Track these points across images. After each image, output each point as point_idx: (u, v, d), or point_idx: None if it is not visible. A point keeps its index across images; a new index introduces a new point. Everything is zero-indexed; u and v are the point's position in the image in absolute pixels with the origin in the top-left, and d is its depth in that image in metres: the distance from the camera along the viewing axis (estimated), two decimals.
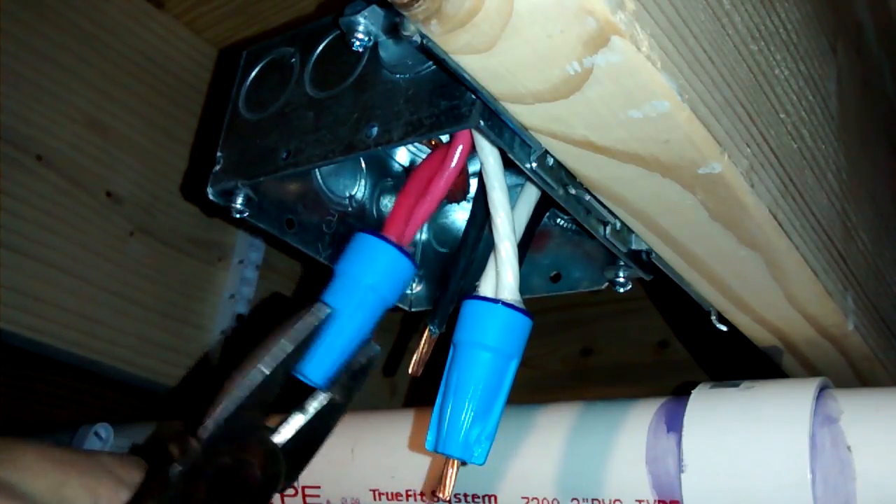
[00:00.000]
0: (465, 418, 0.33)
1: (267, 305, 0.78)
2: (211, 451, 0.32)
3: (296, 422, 0.35)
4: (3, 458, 0.32)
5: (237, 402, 0.32)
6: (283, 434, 0.34)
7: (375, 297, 0.35)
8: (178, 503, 0.31)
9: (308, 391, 0.35)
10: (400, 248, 0.36)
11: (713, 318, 0.42)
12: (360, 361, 0.35)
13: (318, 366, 0.34)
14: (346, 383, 0.35)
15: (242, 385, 0.32)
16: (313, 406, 0.35)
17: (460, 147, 0.36)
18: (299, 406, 0.35)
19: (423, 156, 0.40)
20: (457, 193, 0.43)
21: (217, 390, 0.33)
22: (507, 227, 0.34)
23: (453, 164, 0.36)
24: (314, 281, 0.83)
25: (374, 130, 0.33)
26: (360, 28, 0.34)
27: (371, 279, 0.35)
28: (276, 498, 0.50)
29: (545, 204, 0.38)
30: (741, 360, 0.50)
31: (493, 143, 0.32)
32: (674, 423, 0.38)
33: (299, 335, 0.33)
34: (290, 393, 0.34)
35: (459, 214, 0.48)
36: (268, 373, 0.32)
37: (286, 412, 0.35)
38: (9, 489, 0.31)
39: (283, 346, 0.33)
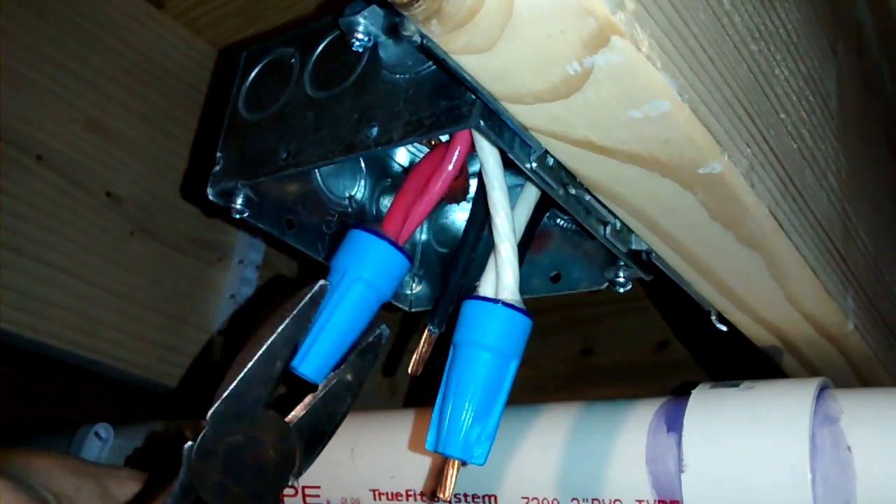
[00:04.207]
0: (465, 418, 0.33)
1: (268, 290, 0.78)
2: (220, 428, 0.32)
3: (306, 401, 0.35)
4: (26, 465, 0.35)
5: (242, 380, 0.33)
6: (294, 413, 0.34)
7: (369, 291, 0.35)
8: (194, 480, 0.32)
9: None
10: (394, 243, 0.36)
11: (713, 318, 0.42)
12: (367, 340, 0.35)
13: (313, 360, 0.34)
14: (356, 363, 0.35)
15: (246, 363, 0.33)
16: (323, 385, 0.35)
17: (458, 147, 0.36)
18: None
19: (423, 156, 0.40)
20: (457, 193, 0.43)
21: (225, 373, 0.33)
22: (507, 227, 0.34)
23: (451, 165, 0.36)
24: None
25: (375, 131, 0.33)
26: (360, 28, 0.34)
27: (365, 274, 0.35)
28: None
29: (545, 204, 0.38)
30: (741, 360, 0.50)
31: (493, 143, 0.32)
32: (674, 423, 0.38)
33: (297, 309, 0.33)
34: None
35: (459, 214, 0.48)
36: (268, 346, 0.33)
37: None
38: (29, 489, 0.33)
39: (283, 320, 0.33)
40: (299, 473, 0.34)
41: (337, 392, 0.35)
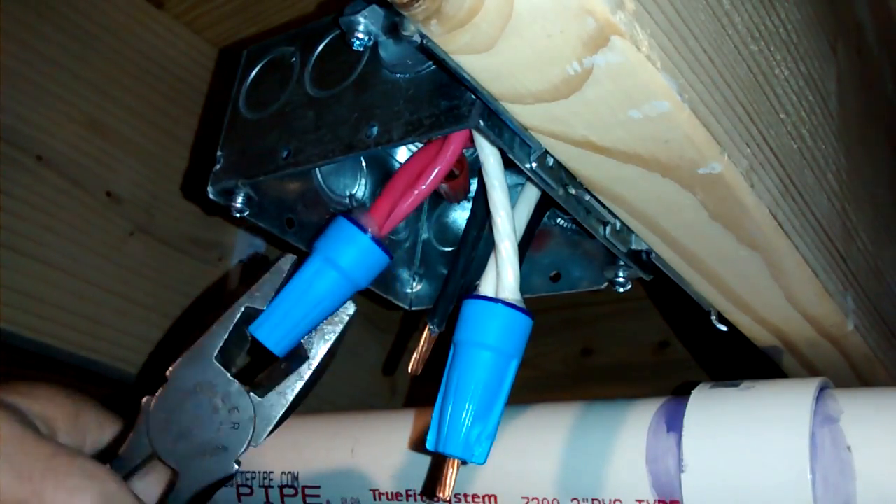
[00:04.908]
0: (465, 418, 0.33)
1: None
2: (179, 385, 0.34)
3: (271, 375, 0.36)
4: (20, 390, 0.34)
5: (204, 340, 0.35)
6: (242, 377, 0.36)
7: (342, 279, 0.35)
8: (150, 432, 0.34)
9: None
10: (374, 237, 0.36)
11: (713, 318, 0.42)
12: (335, 320, 0.36)
13: (274, 332, 0.35)
14: (329, 346, 0.36)
15: (208, 331, 0.35)
16: (284, 358, 0.36)
17: (452, 146, 0.35)
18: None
19: (418, 149, 0.40)
20: (458, 192, 0.43)
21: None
22: (507, 226, 0.34)
23: (442, 164, 0.36)
24: None
25: (375, 130, 0.33)
26: (361, 28, 0.34)
27: (341, 263, 0.35)
28: (277, 497, 0.50)
29: (545, 204, 0.38)
30: (741, 360, 0.51)
31: (492, 143, 0.32)
32: (674, 423, 0.38)
33: (263, 277, 0.36)
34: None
35: (460, 213, 0.48)
36: (230, 310, 0.35)
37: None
38: (19, 413, 0.33)
39: (247, 292, 0.35)
40: (255, 443, 0.35)
41: (297, 366, 0.36)
